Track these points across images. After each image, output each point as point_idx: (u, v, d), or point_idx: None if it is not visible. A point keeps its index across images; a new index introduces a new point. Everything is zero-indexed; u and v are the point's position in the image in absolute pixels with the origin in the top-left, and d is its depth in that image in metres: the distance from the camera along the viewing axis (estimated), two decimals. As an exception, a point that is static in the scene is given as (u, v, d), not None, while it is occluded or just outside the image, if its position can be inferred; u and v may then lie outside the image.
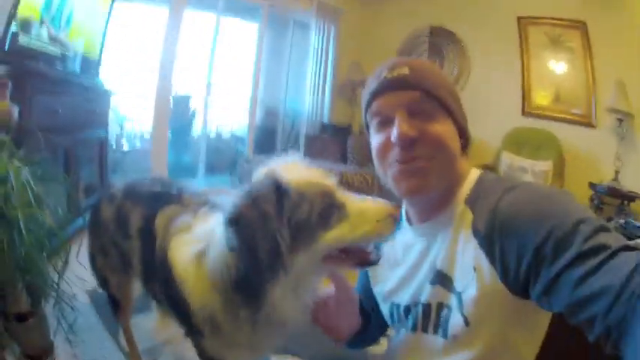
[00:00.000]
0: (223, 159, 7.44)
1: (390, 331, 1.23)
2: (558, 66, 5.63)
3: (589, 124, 5.33)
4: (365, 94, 1.02)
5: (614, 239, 0.68)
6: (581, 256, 0.67)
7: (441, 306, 0.96)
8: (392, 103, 0.94)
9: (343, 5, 6.84)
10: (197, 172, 6.64)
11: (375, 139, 1.00)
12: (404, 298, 1.06)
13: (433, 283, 0.97)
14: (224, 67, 6.39)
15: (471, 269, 0.87)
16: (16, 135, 2.06)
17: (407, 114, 0.92)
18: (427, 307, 0.99)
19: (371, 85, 0.99)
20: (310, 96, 6.71)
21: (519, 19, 5.78)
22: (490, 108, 5.79)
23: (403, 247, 1.10)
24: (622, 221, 3.27)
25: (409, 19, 6.90)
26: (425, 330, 1.00)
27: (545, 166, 5.09)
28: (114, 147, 4.52)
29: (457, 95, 1.01)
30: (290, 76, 7.00)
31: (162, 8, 5.17)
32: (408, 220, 1.11)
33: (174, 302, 1.13)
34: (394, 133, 0.91)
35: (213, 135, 6.90)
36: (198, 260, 1.04)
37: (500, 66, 6.05)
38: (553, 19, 5.54)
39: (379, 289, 1.18)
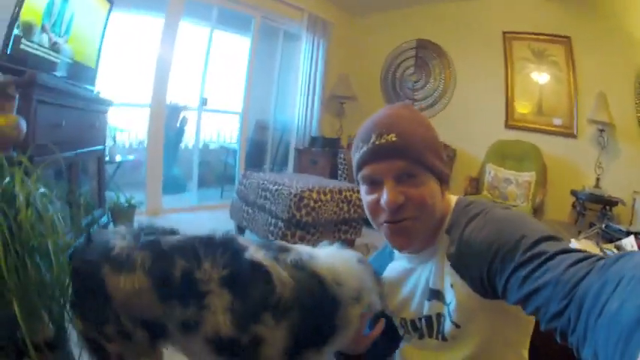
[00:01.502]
0: (211, 172, 7.42)
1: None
2: (541, 79, 5.83)
3: (571, 135, 5.55)
4: (355, 156, 1.12)
5: (554, 246, 0.80)
6: (523, 263, 0.81)
7: (439, 315, 1.12)
8: (381, 170, 1.04)
9: (333, 18, 6.99)
10: (187, 186, 6.61)
11: (367, 199, 1.10)
12: (409, 314, 1.22)
13: (430, 299, 1.14)
14: (216, 80, 6.38)
15: (450, 286, 1.05)
16: (24, 151, 1.94)
17: (394, 181, 1.02)
18: (429, 319, 1.15)
19: (360, 148, 1.08)
20: (299, 109, 6.79)
21: (505, 34, 5.98)
22: (475, 121, 6.02)
23: (401, 271, 1.25)
24: (603, 226, 3.40)
25: (396, 32, 7.09)
26: (430, 336, 1.17)
27: (528, 176, 5.30)
28: (107, 159, 4.44)
29: (439, 147, 1.11)
30: (280, 89, 7.02)
31: (158, 18, 5.25)
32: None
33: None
34: (383, 199, 1.02)
35: (200, 147, 6.75)
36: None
37: (484, 79, 6.23)
38: (538, 34, 5.76)
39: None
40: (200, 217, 5.36)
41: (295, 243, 3.56)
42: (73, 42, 3.34)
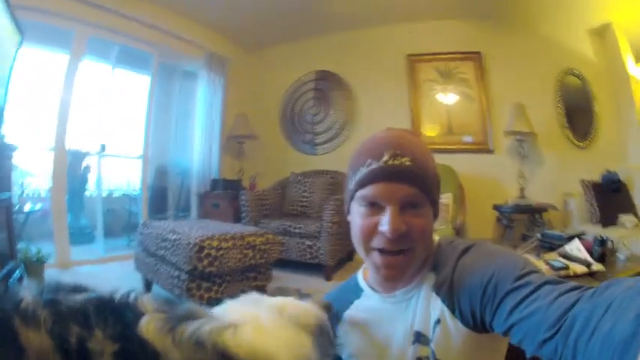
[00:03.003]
0: (117, 220, 6.99)
1: None
2: (450, 99, 5.88)
3: (486, 150, 5.60)
4: (360, 171, 1.02)
5: (542, 278, 0.80)
6: (511, 291, 0.80)
7: (420, 359, 1.04)
8: (389, 193, 0.97)
9: (230, 55, 6.76)
10: (94, 236, 6.26)
11: (361, 220, 1.02)
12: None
13: (414, 343, 1.04)
14: (116, 123, 6.10)
15: (435, 322, 0.99)
16: None
17: (399, 207, 0.96)
18: None
19: (368, 165, 1.00)
20: (199, 151, 6.47)
21: (408, 57, 6.00)
22: None
23: (372, 312, 1.15)
24: (539, 235, 3.30)
25: (295, 65, 6.94)
26: None
27: (445, 198, 5.11)
28: (16, 208, 4.05)
29: (439, 180, 1.07)
30: (178, 132, 6.74)
31: (62, 55, 5.02)
32: (371, 286, 1.17)
33: None
34: (385, 227, 0.95)
35: (105, 195, 6.40)
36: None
37: (388, 106, 6.17)
38: (445, 53, 5.83)
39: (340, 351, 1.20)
40: (108, 269, 5.08)
41: (201, 295, 3.30)
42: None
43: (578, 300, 0.67)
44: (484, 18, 5.58)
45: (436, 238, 1.11)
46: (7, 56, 3.44)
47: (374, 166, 0.98)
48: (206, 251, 3.31)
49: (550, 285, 0.76)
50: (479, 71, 5.59)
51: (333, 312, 1.03)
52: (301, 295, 3.17)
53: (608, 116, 5.36)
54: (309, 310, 0.96)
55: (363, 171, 1.00)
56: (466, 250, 0.99)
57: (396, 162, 0.96)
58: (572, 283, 0.75)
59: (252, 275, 3.82)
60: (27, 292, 0.87)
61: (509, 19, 5.45)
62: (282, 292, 3.11)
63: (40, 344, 0.79)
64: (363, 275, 1.19)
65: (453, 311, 0.96)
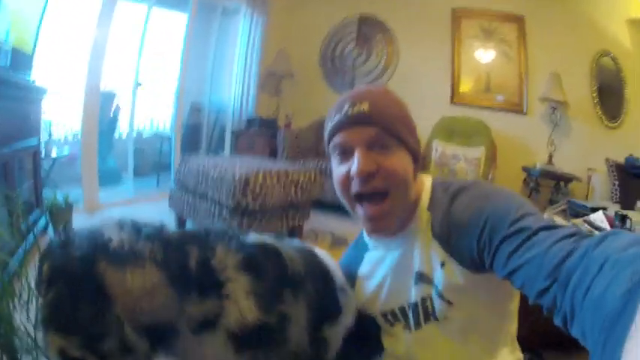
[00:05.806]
0: (146, 160, 6.98)
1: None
2: (490, 57, 5.87)
3: (520, 112, 5.66)
4: (328, 126, 1.13)
5: (538, 222, 0.83)
6: (508, 236, 0.84)
7: (425, 299, 1.11)
8: (352, 138, 1.05)
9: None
10: (123, 177, 6.24)
11: (337, 170, 1.11)
12: (395, 303, 1.19)
13: (416, 283, 1.12)
14: (151, 62, 5.99)
15: (439, 264, 1.05)
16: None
17: (365, 148, 1.04)
18: (415, 305, 1.14)
19: (334, 118, 1.10)
20: (235, 89, 6.44)
21: (453, 10, 5.95)
22: (419, 97, 5.77)
23: (375, 260, 1.24)
24: (565, 202, 3.45)
25: (339, 7, 6.84)
26: (426, 322, 1.13)
27: (477, 152, 5.19)
28: (43, 154, 3.95)
29: (412, 124, 1.12)
30: (215, 69, 6.65)
31: None
32: (373, 238, 1.26)
33: None
34: (354, 167, 1.03)
35: (134, 135, 6.16)
36: None
37: (430, 56, 6.16)
38: (490, 12, 5.79)
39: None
40: (139, 209, 5.03)
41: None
42: (10, 23, 2.88)
43: (573, 250, 0.69)
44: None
45: (427, 178, 1.18)
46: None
47: (337, 118, 1.09)
48: (251, 186, 3.27)
49: (546, 231, 0.79)
50: (521, 35, 5.56)
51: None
52: (334, 237, 3.44)
53: (638, 104, 5.33)
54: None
55: (329, 125, 1.11)
56: (459, 192, 1.04)
57: (355, 109, 1.05)
58: (567, 229, 0.78)
59: (291, 213, 3.82)
60: (113, 231, 1.00)
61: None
62: (316, 234, 3.39)
63: (142, 283, 0.93)
64: (366, 230, 1.27)
65: (451, 254, 1.02)
